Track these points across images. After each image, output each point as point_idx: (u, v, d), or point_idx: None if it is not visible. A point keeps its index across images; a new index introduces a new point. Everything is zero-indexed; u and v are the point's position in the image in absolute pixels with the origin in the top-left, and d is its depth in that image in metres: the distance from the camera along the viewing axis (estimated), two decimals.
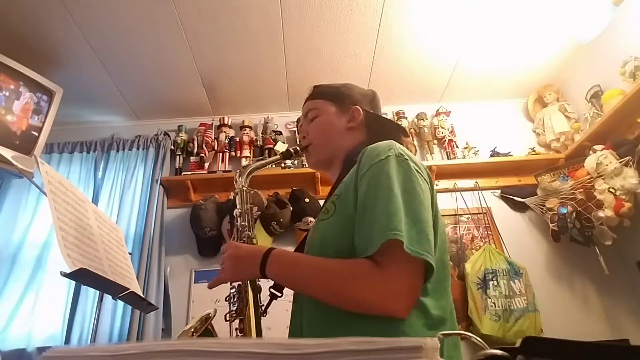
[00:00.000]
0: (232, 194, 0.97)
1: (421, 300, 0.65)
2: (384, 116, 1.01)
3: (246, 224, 0.90)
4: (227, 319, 0.81)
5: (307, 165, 2.35)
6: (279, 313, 0.92)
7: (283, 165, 2.35)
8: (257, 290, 0.82)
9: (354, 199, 0.71)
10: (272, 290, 0.86)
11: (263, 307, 0.84)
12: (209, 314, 0.87)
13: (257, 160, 0.98)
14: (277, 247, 0.76)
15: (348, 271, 0.65)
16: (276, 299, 0.87)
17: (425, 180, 0.73)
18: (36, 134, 1.93)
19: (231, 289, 0.83)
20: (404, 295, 0.62)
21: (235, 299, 0.82)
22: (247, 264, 0.75)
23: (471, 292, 2.02)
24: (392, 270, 0.61)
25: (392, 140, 0.78)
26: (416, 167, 0.72)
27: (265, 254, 0.73)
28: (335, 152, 0.92)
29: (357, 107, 0.94)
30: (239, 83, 2.42)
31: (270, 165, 1.05)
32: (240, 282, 0.82)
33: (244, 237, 0.88)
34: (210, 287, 0.79)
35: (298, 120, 2.50)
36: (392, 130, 0.96)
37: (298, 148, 0.95)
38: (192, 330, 0.87)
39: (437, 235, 0.70)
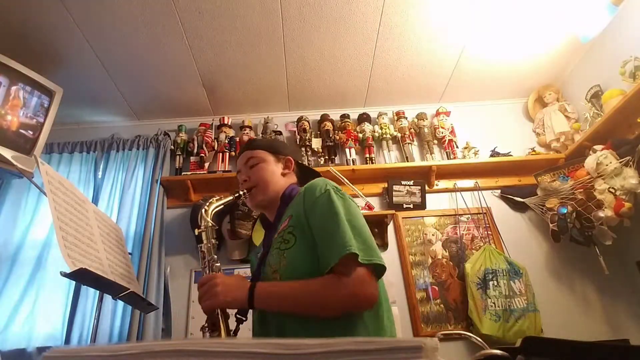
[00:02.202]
0: (197, 230, 1.06)
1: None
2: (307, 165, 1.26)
3: (215, 256, 1.01)
4: None
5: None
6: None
7: None
8: (227, 317, 0.92)
9: (307, 226, 0.90)
10: (238, 315, 1.01)
11: (232, 332, 0.95)
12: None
13: (217, 200, 1.10)
14: (255, 282, 0.90)
15: (323, 289, 0.82)
16: (242, 323, 1.01)
17: (354, 204, 0.95)
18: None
19: (206, 320, 0.90)
20: (365, 292, 0.81)
21: (210, 329, 0.88)
22: (237, 294, 0.87)
23: (471, 292, 2.02)
24: (352, 276, 0.80)
25: (324, 178, 1.00)
26: (348, 196, 0.95)
27: (250, 289, 0.87)
28: (274, 194, 1.08)
29: (290, 157, 1.17)
30: (239, 83, 2.42)
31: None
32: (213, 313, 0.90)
33: (214, 269, 0.99)
34: (207, 313, 0.88)
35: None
36: (312, 175, 1.19)
37: (245, 190, 1.09)
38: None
39: None
